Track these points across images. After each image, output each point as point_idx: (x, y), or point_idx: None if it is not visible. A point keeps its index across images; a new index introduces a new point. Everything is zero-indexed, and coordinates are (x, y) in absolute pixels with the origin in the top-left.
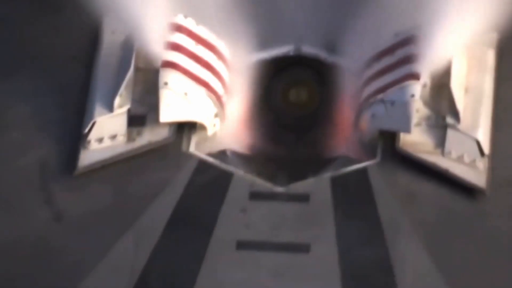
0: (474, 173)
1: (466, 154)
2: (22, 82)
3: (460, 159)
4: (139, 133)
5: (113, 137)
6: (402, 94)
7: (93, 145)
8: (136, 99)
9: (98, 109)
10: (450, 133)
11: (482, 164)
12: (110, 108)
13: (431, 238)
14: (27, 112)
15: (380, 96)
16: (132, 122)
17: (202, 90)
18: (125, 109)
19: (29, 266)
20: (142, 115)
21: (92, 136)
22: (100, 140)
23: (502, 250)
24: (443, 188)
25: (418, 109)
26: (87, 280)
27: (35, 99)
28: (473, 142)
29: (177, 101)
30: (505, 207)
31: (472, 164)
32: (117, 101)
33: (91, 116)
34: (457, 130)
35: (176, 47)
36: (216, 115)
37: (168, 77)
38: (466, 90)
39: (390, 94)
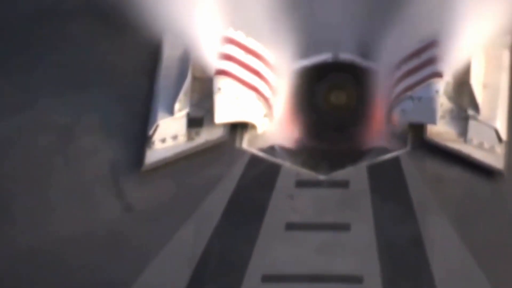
0: (493, 157)
1: (486, 141)
2: (92, 94)
3: (480, 145)
4: (197, 133)
5: (175, 137)
6: (428, 90)
7: (157, 145)
8: (194, 103)
9: (161, 113)
10: (471, 123)
11: (500, 150)
12: (171, 112)
13: (458, 217)
14: (98, 119)
15: (408, 93)
16: (191, 124)
17: (252, 93)
18: (184, 112)
19: (102, 254)
20: (199, 117)
21: (156, 137)
22: (163, 140)
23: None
24: (467, 172)
25: (442, 103)
26: (152, 263)
27: (105, 108)
28: (492, 130)
29: (229, 104)
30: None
31: (491, 150)
32: (177, 106)
33: (154, 120)
34: (477, 120)
35: (227, 57)
36: (265, 116)
37: (221, 83)
38: (485, 86)
39: (417, 91)
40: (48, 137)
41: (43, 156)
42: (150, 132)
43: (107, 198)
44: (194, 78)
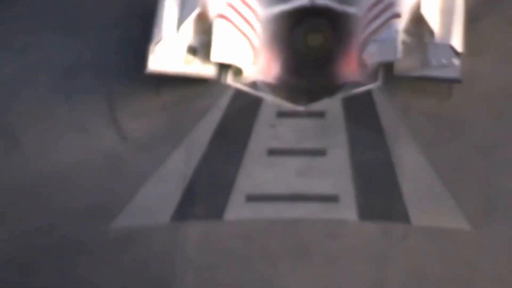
0: (452, 69)
1: (443, 58)
2: (90, 37)
3: (440, 64)
4: (193, 61)
5: (175, 55)
6: (388, 32)
7: (158, 53)
8: (195, 37)
9: (164, 31)
10: (429, 47)
11: (457, 61)
12: (174, 32)
13: (424, 141)
14: (96, 60)
15: (373, 37)
16: (189, 51)
17: (245, 41)
18: (187, 36)
19: (101, 177)
20: (194, 47)
21: (158, 48)
22: (164, 53)
23: (471, 142)
24: (432, 100)
25: (404, 40)
26: (146, 185)
27: (102, 49)
28: (447, 47)
29: (226, 46)
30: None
31: (449, 63)
32: (181, 28)
33: (159, 34)
34: (434, 43)
35: (229, 4)
36: (252, 63)
37: (221, 26)
38: (441, 12)
39: (380, 34)
40: (51, 75)
41: (47, 93)
42: (155, 42)
43: (105, 129)
44: (198, 16)
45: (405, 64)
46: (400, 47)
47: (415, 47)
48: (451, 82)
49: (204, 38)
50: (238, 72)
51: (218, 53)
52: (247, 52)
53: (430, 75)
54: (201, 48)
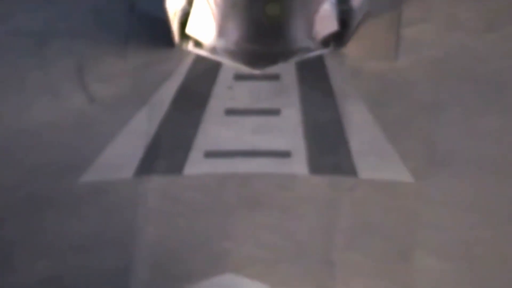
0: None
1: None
2: (64, 6)
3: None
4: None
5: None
6: (326, 4)
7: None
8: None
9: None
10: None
11: None
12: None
13: (372, 102)
14: (69, 27)
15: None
16: None
17: (208, 11)
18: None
19: (70, 136)
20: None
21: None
22: None
23: (415, 102)
24: (380, 64)
25: (344, 9)
26: (112, 143)
27: (77, 18)
28: None
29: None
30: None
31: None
32: None
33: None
34: None
35: None
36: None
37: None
38: None
39: (321, 7)
40: (25, 42)
41: (20, 59)
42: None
43: (75, 93)
44: None
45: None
46: (337, 16)
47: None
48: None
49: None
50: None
51: (193, 27)
52: (210, 21)
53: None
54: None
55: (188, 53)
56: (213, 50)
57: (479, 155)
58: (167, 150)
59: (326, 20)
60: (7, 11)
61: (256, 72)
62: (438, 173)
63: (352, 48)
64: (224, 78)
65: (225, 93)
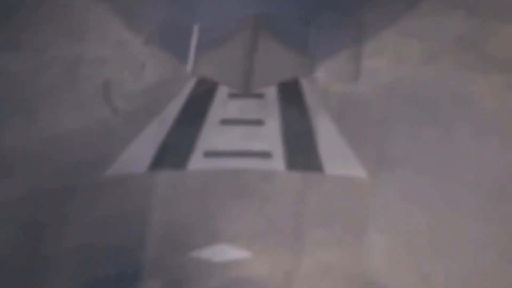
0: None
1: None
2: None
3: None
4: None
5: None
6: None
7: None
8: None
9: None
10: None
11: None
12: None
13: (336, 115)
14: None
15: None
16: None
17: None
18: None
19: (97, 140)
20: None
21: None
22: None
23: (370, 116)
24: (343, 86)
25: None
26: (131, 145)
27: None
28: None
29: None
30: (372, 86)
31: None
32: None
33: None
34: None
35: None
36: None
37: None
38: None
39: None
40: (60, 66)
41: (56, 79)
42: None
43: (101, 106)
44: None
45: None
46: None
47: None
48: None
49: None
50: None
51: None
52: None
53: None
54: None
55: (191, 76)
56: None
57: (420, 159)
58: (174, 151)
59: None
60: (44, 42)
61: (245, 91)
62: (387, 172)
63: (322, 73)
64: (220, 96)
65: (220, 107)
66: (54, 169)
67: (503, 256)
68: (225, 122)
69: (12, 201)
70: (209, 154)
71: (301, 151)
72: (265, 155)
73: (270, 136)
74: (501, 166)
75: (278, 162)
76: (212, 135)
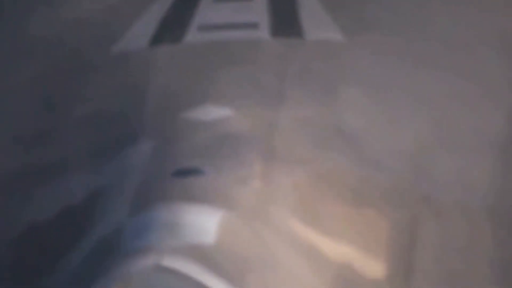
0: None
1: None
2: None
3: None
4: None
5: None
6: None
7: None
8: None
9: None
10: None
11: None
12: None
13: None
14: None
15: None
16: None
17: None
18: None
19: (105, 18)
20: None
21: None
22: None
23: None
24: None
25: None
26: (135, 23)
27: None
28: None
29: None
30: None
31: None
32: None
33: None
34: None
35: None
36: None
37: None
38: None
39: None
40: None
41: None
42: None
43: None
44: None
45: None
46: None
47: None
48: None
49: None
50: None
51: None
52: None
53: None
54: None
55: None
56: None
57: (395, 22)
58: (171, 26)
59: None
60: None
61: None
62: (363, 35)
63: None
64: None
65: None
66: (69, 49)
67: (469, 106)
68: (218, 0)
69: (31, 79)
70: (203, 28)
71: (284, 20)
72: (253, 25)
73: (258, 9)
74: (472, 26)
75: (264, 31)
76: (206, 12)
